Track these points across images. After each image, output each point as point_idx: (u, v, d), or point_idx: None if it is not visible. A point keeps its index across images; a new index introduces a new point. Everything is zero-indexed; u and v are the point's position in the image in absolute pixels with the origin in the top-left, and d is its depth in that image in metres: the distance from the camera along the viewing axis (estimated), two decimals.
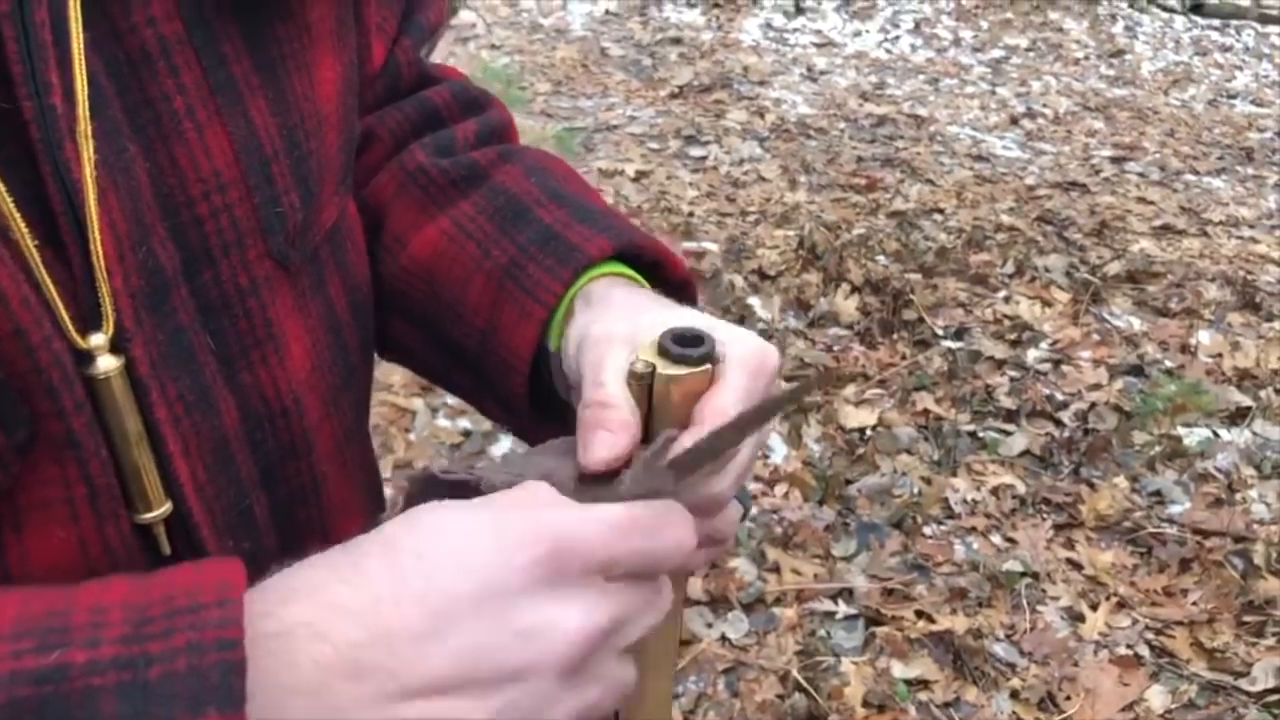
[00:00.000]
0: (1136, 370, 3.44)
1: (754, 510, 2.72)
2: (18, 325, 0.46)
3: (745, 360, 0.57)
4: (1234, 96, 6.36)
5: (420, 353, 0.77)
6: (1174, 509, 2.87)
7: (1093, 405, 3.24)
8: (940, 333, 3.56)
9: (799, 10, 7.01)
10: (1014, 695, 2.33)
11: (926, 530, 2.76)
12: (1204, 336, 3.64)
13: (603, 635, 0.46)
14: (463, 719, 0.43)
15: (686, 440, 0.53)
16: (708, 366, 0.56)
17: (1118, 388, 3.33)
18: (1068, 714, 2.29)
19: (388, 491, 0.76)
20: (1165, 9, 7.59)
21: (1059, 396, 3.29)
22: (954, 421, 3.15)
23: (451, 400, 3.01)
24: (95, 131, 0.48)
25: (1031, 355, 3.48)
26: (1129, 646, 2.45)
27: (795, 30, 6.80)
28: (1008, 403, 3.24)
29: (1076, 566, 2.68)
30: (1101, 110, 5.91)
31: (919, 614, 2.50)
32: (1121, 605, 2.57)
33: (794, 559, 2.61)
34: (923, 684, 2.34)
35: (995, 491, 2.90)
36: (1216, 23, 7.47)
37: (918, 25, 7.03)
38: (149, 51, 0.52)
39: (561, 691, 0.45)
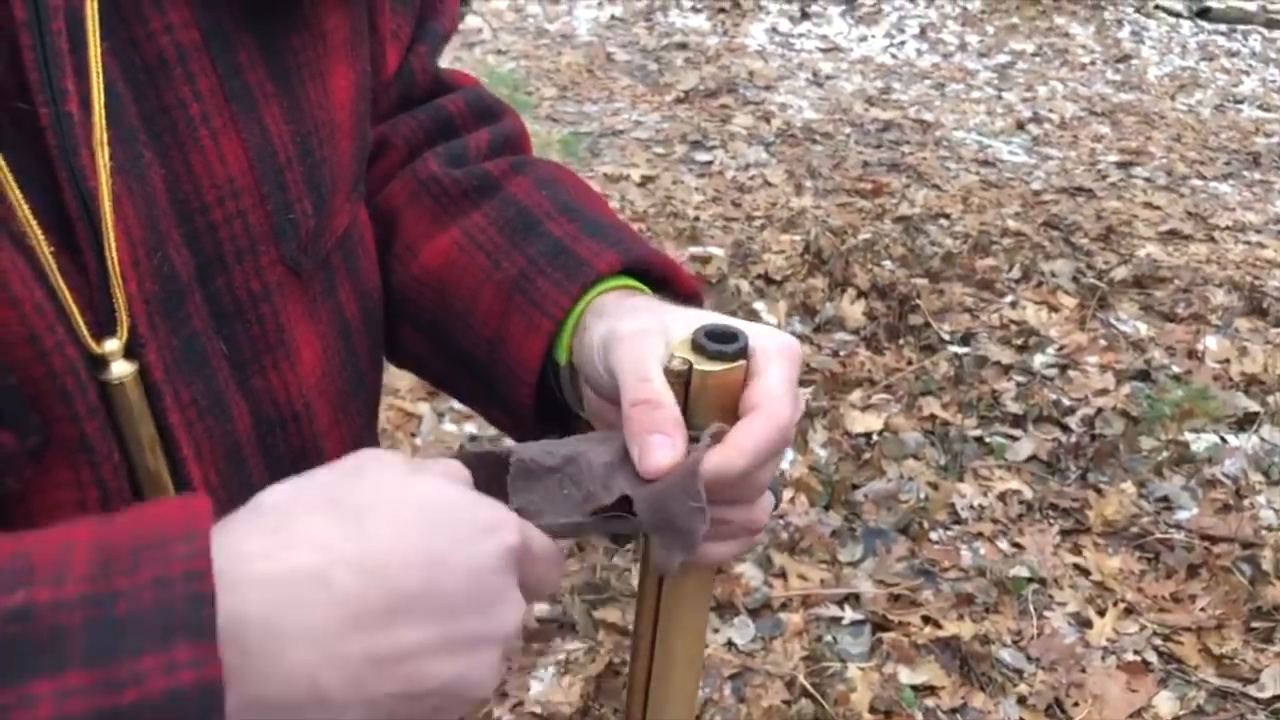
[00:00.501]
0: (1143, 375, 3.43)
1: None
2: (32, 330, 0.46)
3: (781, 350, 0.58)
4: (1241, 101, 6.34)
5: (429, 360, 0.77)
6: (1181, 515, 2.87)
7: (1100, 410, 3.23)
8: (946, 338, 3.55)
9: (804, 15, 7.02)
10: (1021, 701, 2.32)
11: (933, 536, 2.75)
12: (1211, 342, 3.62)
13: (517, 632, 0.50)
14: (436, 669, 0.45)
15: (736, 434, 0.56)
16: (743, 362, 0.57)
17: (1125, 393, 3.32)
18: None
19: None
20: (1172, 14, 7.58)
21: (1066, 402, 3.28)
22: (960, 427, 3.14)
23: (458, 405, 3.01)
24: (111, 138, 0.48)
25: (1038, 360, 3.48)
26: (1137, 652, 2.45)
27: (801, 35, 6.80)
28: (1014, 408, 3.23)
29: (1084, 572, 2.67)
30: (1108, 115, 5.90)
31: (926, 620, 2.49)
32: (1129, 611, 2.56)
33: (800, 564, 2.61)
34: (929, 690, 2.33)
35: (1002, 497, 2.90)
36: (1223, 28, 7.46)
37: (923, 30, 7.03)
38: (166, 59, 0.52)
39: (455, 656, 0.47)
